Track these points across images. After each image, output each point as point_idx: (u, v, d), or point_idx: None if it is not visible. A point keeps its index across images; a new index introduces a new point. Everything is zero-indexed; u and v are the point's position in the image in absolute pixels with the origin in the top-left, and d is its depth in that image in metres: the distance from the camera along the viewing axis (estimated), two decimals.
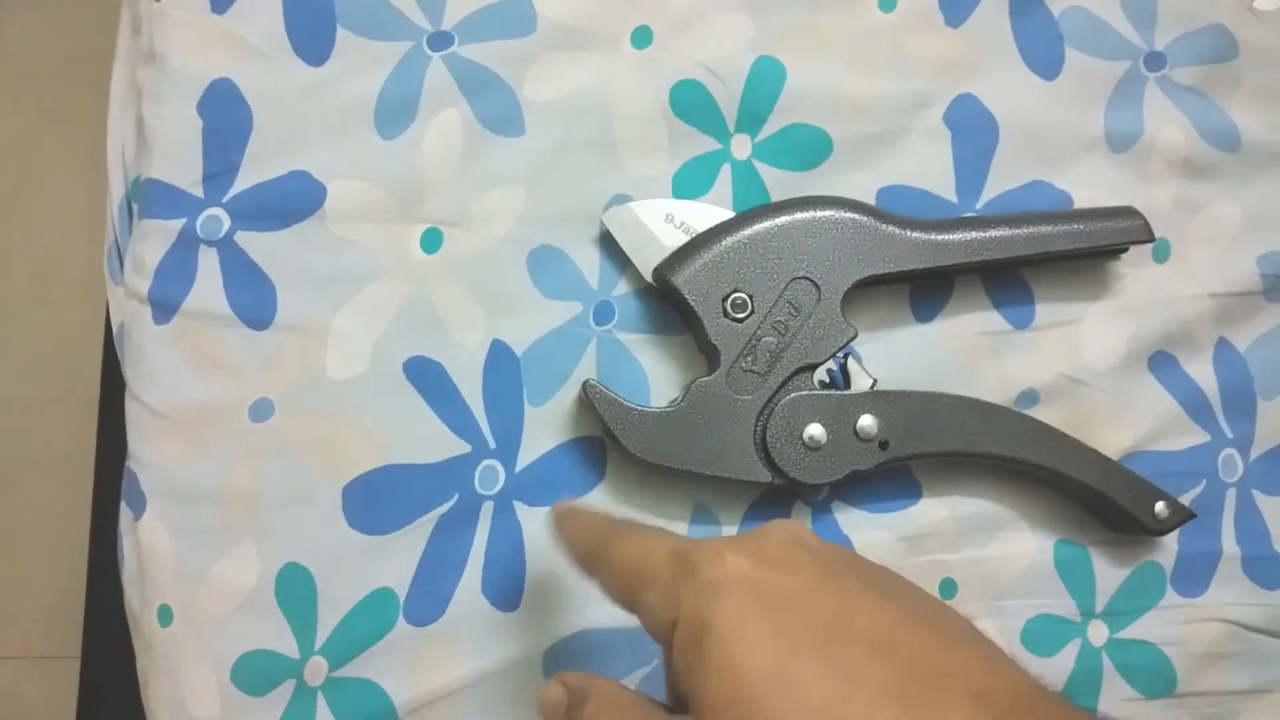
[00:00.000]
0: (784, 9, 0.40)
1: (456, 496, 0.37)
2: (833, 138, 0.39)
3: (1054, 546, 0.38)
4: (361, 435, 0.37)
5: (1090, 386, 0.39)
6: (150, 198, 0.38)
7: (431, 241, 0.38)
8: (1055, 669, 0.38)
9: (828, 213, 0.36)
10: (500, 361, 0.38)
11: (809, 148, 0.39)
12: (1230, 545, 0.40)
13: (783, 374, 0.36)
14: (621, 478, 0.37)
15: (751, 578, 0.23)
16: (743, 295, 0.36)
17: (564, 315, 0.38)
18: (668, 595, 0.24)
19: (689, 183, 0.39)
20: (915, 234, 0.37)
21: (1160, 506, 0.37)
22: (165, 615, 0.36)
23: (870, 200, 0.39)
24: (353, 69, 0.39)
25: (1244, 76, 0.42)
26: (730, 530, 0.37)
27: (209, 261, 0.37)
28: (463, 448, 0.37)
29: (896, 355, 0.39)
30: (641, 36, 0.40)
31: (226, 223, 0.37)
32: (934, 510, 0.38)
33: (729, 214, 0.37)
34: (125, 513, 0.37)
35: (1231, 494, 0.40)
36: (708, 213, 0.37)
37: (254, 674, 0.35)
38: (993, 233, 0.37)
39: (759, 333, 0.36)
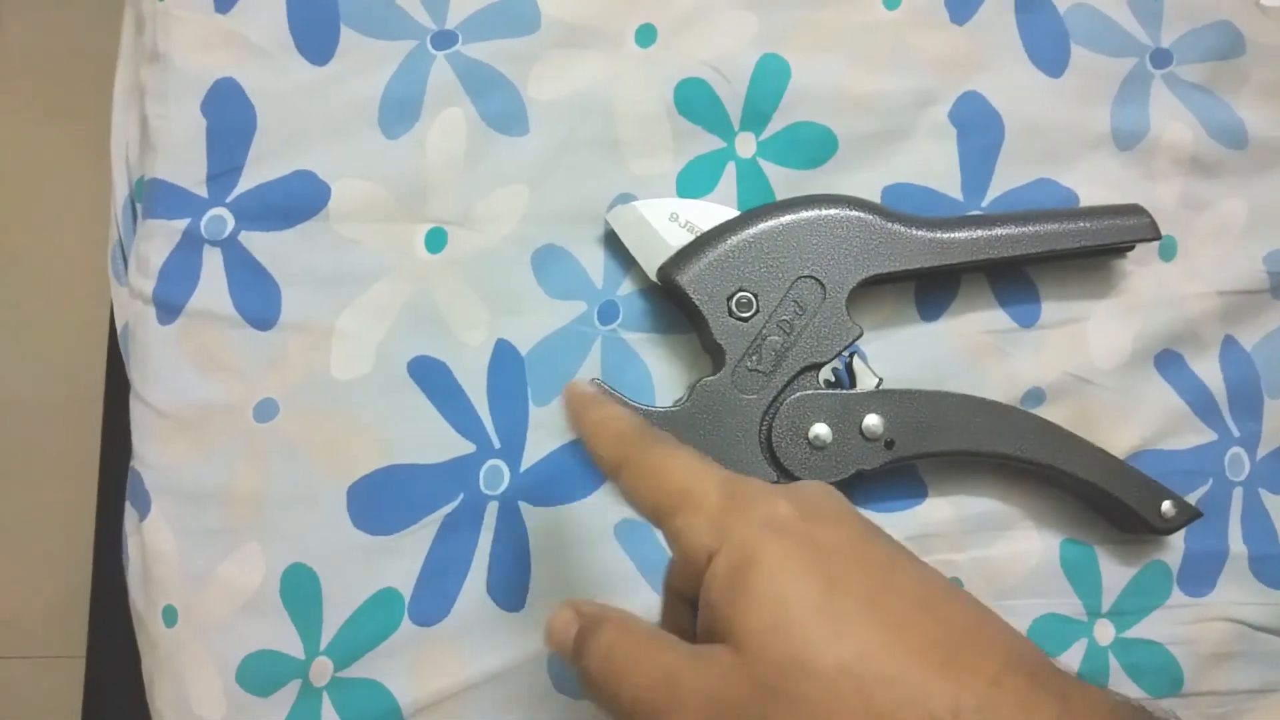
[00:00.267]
0: (788, 6, 0.40)
1: (461, 496, 0.36)
2: (838, 136, 0.39)
3: (1060, 546, 0.38)
4: (366, 435, 0.36)
5: (1096, 385, 0.39)
6: (154, 197, 0.38)
7: (436, 241, 0.38)
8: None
9: (832, 211, 0.36)
10: (505, 361, 0.37)
11: (814, 146, 0.39)
12: (1237, 544, 0.39)
13: (788, 373, 0.35)
14: None
15: (801, 524, 0.24)
16: (748, 294, 0.36)
17: (569, 315, 0.38)
18: (713, 524, 0.24)
19: (693, 181, 0.39)
20: (920, 232, 0.37)
21: (1167, 506, 0.37)
22: (170, 616, 0.35)
23: (875, 198, 0.39)
24: (356, 68, 0.39)
25: (1251, 73, 0.42)
26: None
27: (213, 261, 0.37)
28: (467, 447, 0.37)
29: (902, 354, 0.39)
30: (645, 34, 0.40)
31: (230, 222, 0.37)
32: (939, 510, 0.38)
33: (734, 213, 0.37)
34: (130, 513, 0.37)
35: (1238, 493, 0.40)
36: (712, 211, 0.37)
37: (259, 674, 0.35)
38: (998, 231, 0.37)
39: (764, 332, 0.36)
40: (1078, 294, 0.40)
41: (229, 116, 0.38)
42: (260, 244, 0.37)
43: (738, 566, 0.23)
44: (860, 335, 0.36)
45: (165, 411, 0.37)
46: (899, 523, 0.38)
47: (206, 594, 0.35)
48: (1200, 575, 0.39)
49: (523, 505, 0.37)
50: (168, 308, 0.37)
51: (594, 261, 0.38)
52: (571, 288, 0.38)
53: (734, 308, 0.35)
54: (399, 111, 0.38)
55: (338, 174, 0.38)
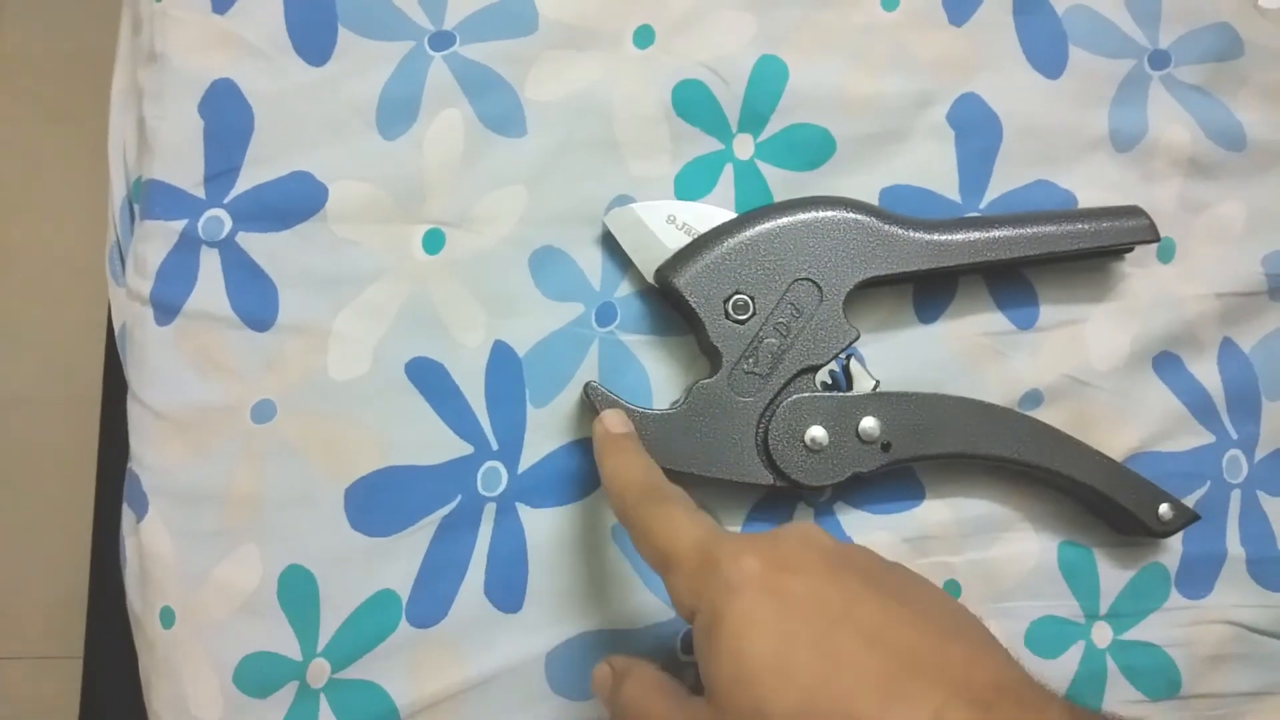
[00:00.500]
0: (786, 7, 0.40)
1: (459, 498, 0.36)
2: (835, 137, 0.39)
3: (1058, 548, 0.38)
4: (363, 436, 0.36)
5: (1094, 387, 0.39)
6: (152, 198, 0.38)
7: (433, 242, 0.38)
8: (1059, 671, 0.38)
9: (829, 213, 0.36)
10: (502, 362, 0.37)
11: (812, 147, 0.39)
12: (1235, 547, 0.39)
13: (784, 376, 0.35)
14: None
15: (764, 578, 0.26)
16: (744, 297, 0.35)
17: (566, 316, 0.38)
18: (691, 585, 0.27)
19: (691, 183, 0.39)
20: (918, 234, 0.36)
21: (1164, 508, 0.37)
22: (167, 617, 0.35)
23: (873, 200, 0.39)
24: (354, 69, 0.39)
25: (1249, 75, 0.42)
26: (733, 531, 0.37)
27: (210, 262, 0.37)
28: (465, 449, 0.37)
29: (900, 356, 0.39)
30: (643, 36, 0.40)
31: (228, 224, 0.37)
32: (937, 512, 0.38)
33: (731, 215, 0.37)
34: (127, 514, 0.37)
35: (1236, 495, 0.40)
36: (710, 214, 0.37)
37: (256, 676, 0.35)
38: (996, 233, 0.37)
39: (761, 334, 0.35)
40: (1076, 296, 0.40)
41: (226, 117, 0.38)
42: (258, 245, 0.37)
43: (710, 625, 0.26)
44: (857, 338, 0.36)
45: (163, 413, 0.37)
46: (896, 525, 0.38)
47: (204, 595, 0.35)
48: (1198, 578, 0.39)
49: (520, 507, 0.37)
50: (165, 309, 0.37)
51: (592, 263, 0.38)
52: (569, 289, 0.38)
53: (730, 310, 0.35)
54: (397, 112, 0.38)
55: (335, 175, 0.38)
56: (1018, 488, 0.38)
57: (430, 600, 0.36)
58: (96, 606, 0.47)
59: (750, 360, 0.35)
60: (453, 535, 0.36)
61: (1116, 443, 0.39)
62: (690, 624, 0.27)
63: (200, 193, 0.38)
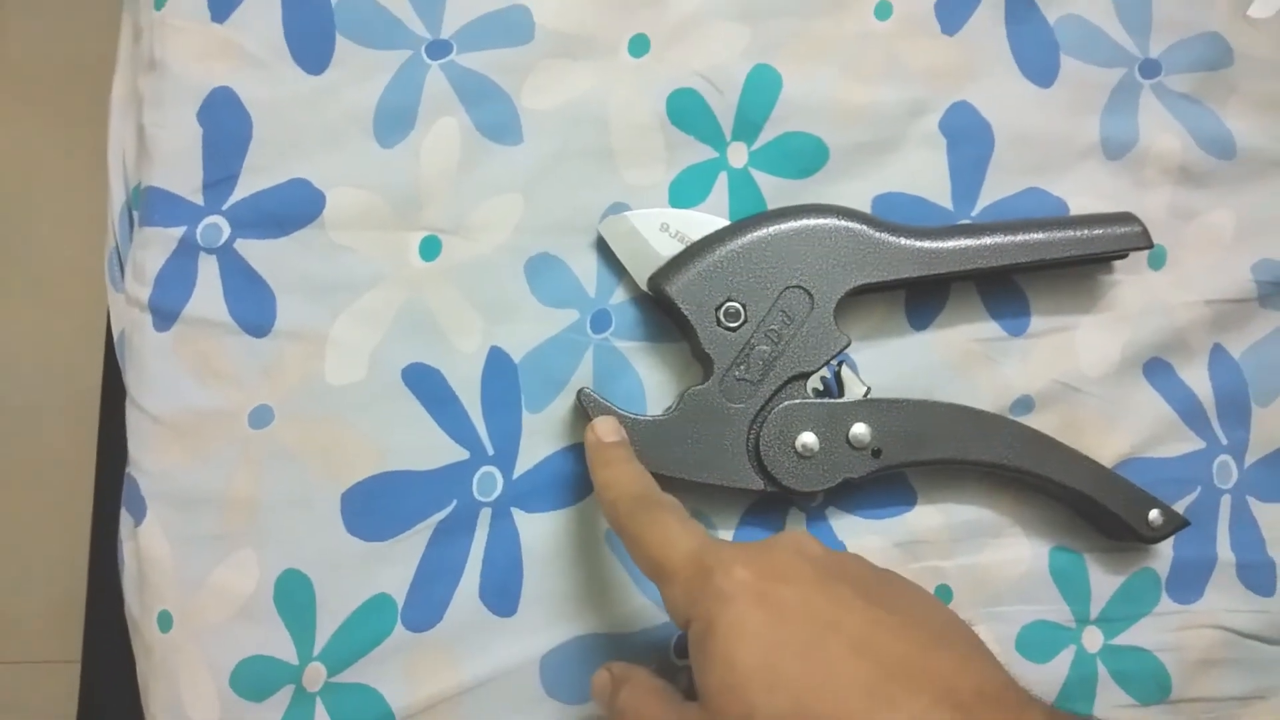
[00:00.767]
0: (780, 17, 0.41)
1: (455, 503, 0.37)
2: (829, 145, 0.40)
3: (1049, 553, 0.39)
4: (360, 442, 0.37)
5: (1085, 393, 0.39)
6: (150, 205, 0.38)
7: (430, 249, 0.38)
8: (1050, 675, 0.38)
9: (821, 221, 0.37)
10: (498, 368, 0.38)
11: (805, 156, 0.40)
12: (1225, 552, 0.40)
13: (776, 382, 0.36)
14: None
15: (755, 587, 0.27)
16: (736, 304, 0.36)
17: (562, 323, 0.38)
18: (685, 594, 0.28)
19: (686, 191, 0.39)
20: (909, 242, 0.37)
21: (1154, 514, 0.37)
22: (165, 621, 0.36)
23: (866, 208, 0.39)
24: (352, 77, 0.39)
25: (1239, 84, 0.42)
26: (726, 536, 0.38)
27: (209, 269, 0.37)
28: (461, 454, 0.37)
29: (892, 363, 0.39)
30: (639, 45, 0.40)
31: (226, 230, 0.38)
32: (929, 517, 0.38)
33: (724, 222, 0.38)
34: (125, 519, 0.37)
35: (1226, 500, 0.40)
36: (702, 221, 0.38)
37: (253, 680, 0.35)
38: (987, 240, 0.37)
39: (752, 341, 0.36)
40: (1067, 303, 0.40)
41: (225, 125, 0.38)
42: (255, 252, 0.38)
43: (703, 633, 0.26)
44: (848, 345, 0.36)
45: (161, 418, 0.37)
46: (888, 529, 0.38)
47: (201, 599, 0.36)
48: (1189, 582, 0.39)
49: (515, 512, 0.37)
50: (164, 315, 0.37)
51: (587, 270, 0.39)
52: (564, 296, 0.39)
53: (722, 317, 0.36)
54: (394, 120, 0.39)
55: (333, 182, 0.38)
56: (1009, 493, 0.39)
57: (426, 604, 0.36)
58: (95, 610, 0.47)
59: (742, 367, 0.36)
60: (448, 540, 0.37)
61: (1107, 448, 0.39)
62: (685, 631, 0.28)
63: (199, 199, 0.38)
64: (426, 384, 0.37)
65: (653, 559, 0.29)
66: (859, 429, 0.35)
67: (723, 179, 0.39)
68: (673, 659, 0.37)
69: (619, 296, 0.39)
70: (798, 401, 0.36)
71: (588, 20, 0.40)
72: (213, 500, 0.36)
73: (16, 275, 0.99)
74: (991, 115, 0.41)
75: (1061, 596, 0.38)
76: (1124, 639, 0.39)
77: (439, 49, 0.39)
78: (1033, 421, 0.39)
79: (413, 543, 0.36)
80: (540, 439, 0.38)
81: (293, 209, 0.38)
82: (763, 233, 0.36)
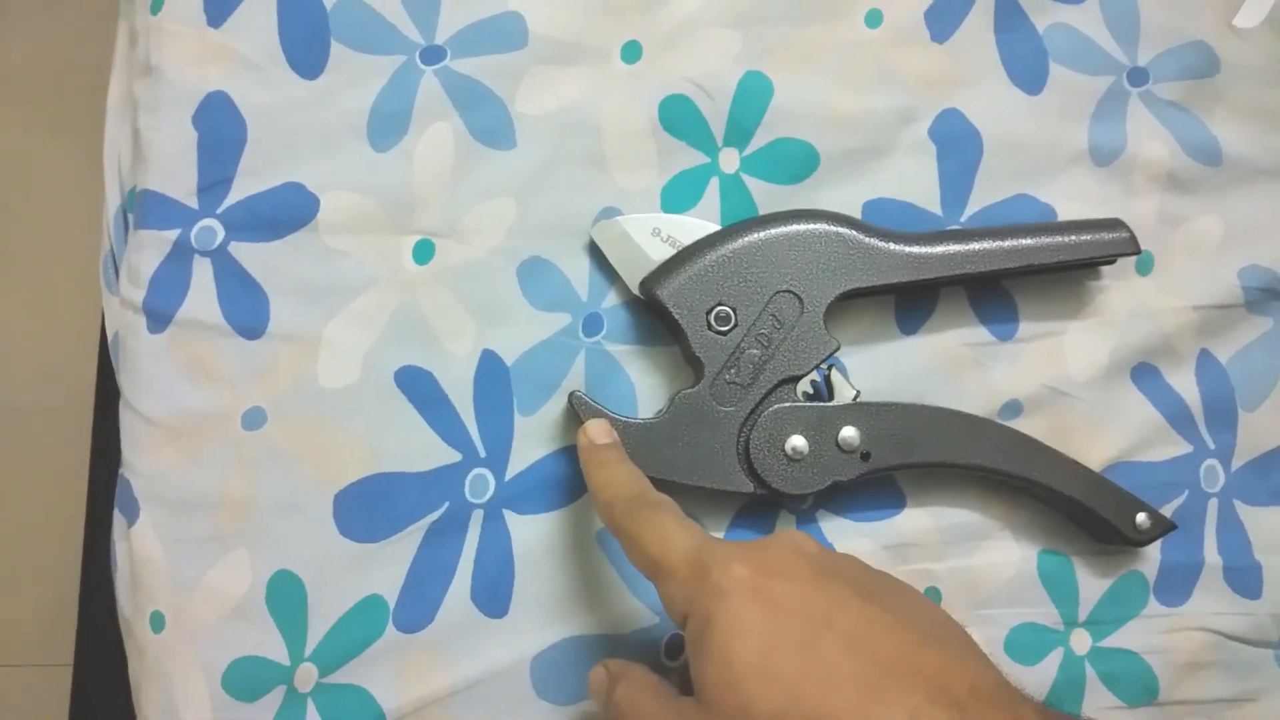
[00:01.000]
0: (771, 24, 0.41)
1: (446, 505, 0.37)
2: (819, 151, 0.40)
3: (1037, 556, 0.39)
4: (353, 444, 0.37)
5: (1073, 398, 0.40)
6: (145, 208, 0.38)
7: (423, 252, 0.39)
8: (1038, 678, 0.38)
9: (811, 226, 0.37)
10: (491, 371, 0.38)
11: (796, 161, 0.40)
12: (1212, 555, 0.40)
13: (765, 386, 0.36)
14: None
15: (752, 583, 0.27)
16: (726, 308, 0.36)
17: (554, 326, 0.39)
18: (682, 592, 0.28)
19: (678, 196, 0.40)
20: (899, 247, 0.37)
21: (1141, 517, 0.37)
22: (157, 622, 0.36)
23: (856, 213, 0.40)
24: (346, 82, 0.39)
25: (1225, 92, 0.43)
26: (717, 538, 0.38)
27: (203, 272, 0.38)
28: (453, 456, 0.37)
29: (881, 367, 0.39)
30: (631, 51, 0.41)
31: (220, 233, 0.38)
32: (918, 520, 0.39)
33: (715, 227, 0.38)
34: (118, 520, 0.38)
35: (1213, 504, 0.40)
36: (694, 226, 0.38)
37: (245, 680, 0.35)
38: (976, 245, 0.38)
39: (743, 345, 0.36)
40: (1055, 308, 0.40)
41: (220, 129, 0.39)
42: (249, 255, 0.38)
43: (700, 629, 0.27)
44: (837, 349, 0.36)
45: (154, 419, 0.37)
46: (878, 532, 0.38)
47: (194, 600, 0.36)
48: (1176, 585, 0.40)
49: (507, 513, 0.37)
50: (158, 317, 0.38)
51: (579, 274, 0.39)
52: (557, 300, 0.39)
53: (712, 321, 0.36)
54: (388, 125, 0.39)
55: (327, 186, 0.38)
56: (998, 496, 0.39)
57: (417, 605, 0.36)
58: (87, 613, 0.48)
59: (732, 370, 0.36)
60: (440, 541, 0.37)
61: (1095, 452, 0.39)
62: (682, 629, 0.28)
63: (193, 203, 0.38)
64: (419, 386, 0.38)
65: (650, 557, 0.29)
66: (848, 432, 0.36)
67: (714, 184, 0.40)
68: (663, 660, 0.37)
69: (611, 300, 0.39)
70: (788, 405, 0.36)
71: (580, 26, 0.40)
72: (205, 501, 0.36)
73: (12, 278, 0.99)
74: (981, 122, 0.41)
75: (1050, 599, 0.39)
76: (1112, 641, 0.39)
77: (433, 54, 0.40)
78: (1021, 426, 0.39)
79: (404, 544, 0.37)
80: (532, 441, 0.38)
81: (287, 212, 0.38)
82: (753, 237, 0.37)
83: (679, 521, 0.30)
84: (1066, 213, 0.41)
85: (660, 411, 0.36)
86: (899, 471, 0.37)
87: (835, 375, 0.37)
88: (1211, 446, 0.41)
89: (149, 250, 0.38)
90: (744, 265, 0.36)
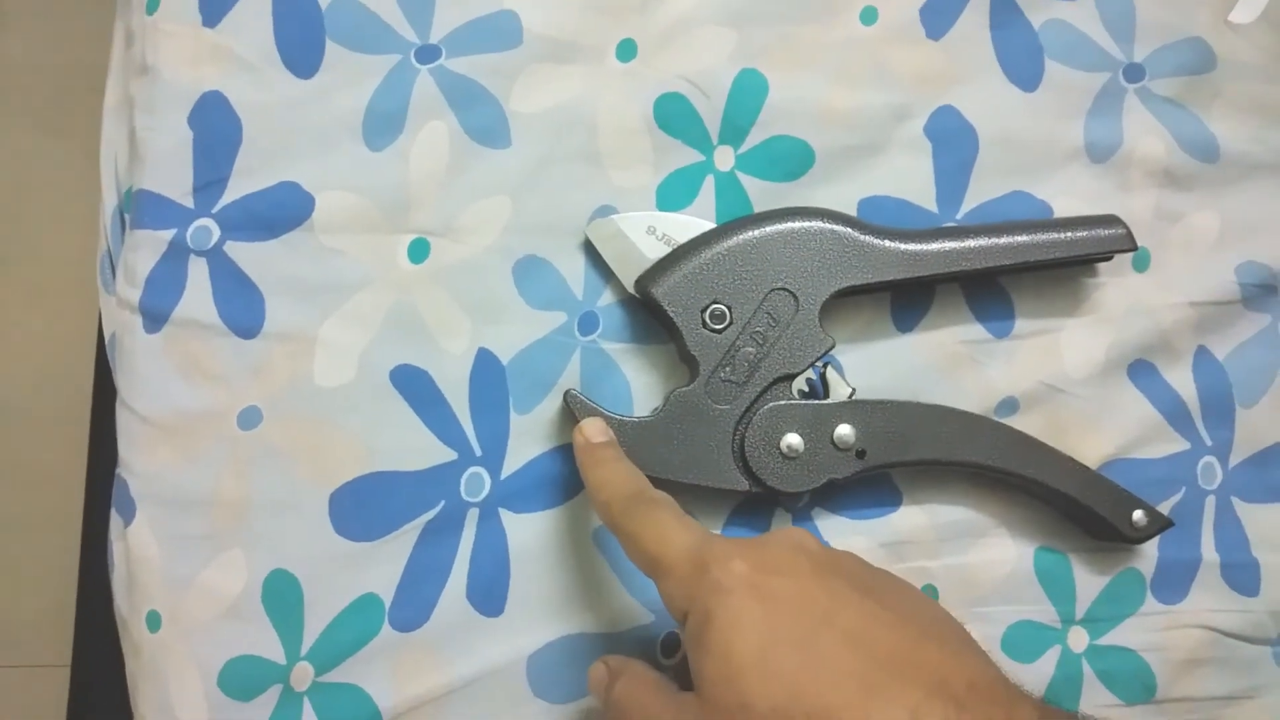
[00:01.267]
0: (766, 22, 0.41)
1: (442, 503, 0.37)
2: (814, 149, 0.40)
3: (1034, 554, 0.39)
4: (348, 442, 0.37)
5: (1070, 395, 0.40)
6: (141, 208, 0.38)
7: (419, 251, 0.39)
8: (1035, 675, 0.38)
9: (806, 224, 0.37)
10: (486, 370, 0.38)
11: (791, 159, 0.40)
12: (1210, 552, 0.40)
13: (761, 384, 0.36)
14: None
15: (752, 580, 0.27)
16: (721, 306, 0.36)
17: (549, 325, 0.39)
18: (682, 588, 0.28)
19: (673, 194, 0.40)
20: (894, 244, 0.37)
21: (1138, 515, 0.37)
22: (154, 621, 0.36)
23: (852, 211, 0.40)
24: (341, 82, 0.39)
25: (1222, 88, 0.43)
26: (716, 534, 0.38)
27: (198, 271, 0.38)
28: (449, 455, 0.37)
29: (877, 365, 0.39)
30: (626, 50, 0.41)
31: (216, 233, 0.38)
32: (914, 517, 0.38)
33: (710, 225, 0.38)
34: (115, 519, 0.38)
35: (1211, 501, 0.40)
36: (689, 224, 0.38)
37: (241, 679, 0.35)
38: (972, 243, 0.38)
39: (738, 343, 0.36)
40: (1052, 305, 0.40)
41: (215, 129, 0.39)
42: (245, 254, 0.38)
43: (700, 625, 0.27)
44: (832, 346, 0.36)
45: (151, 419, 0.37)
46: (874, 530, 0.38)
47: (190, 599, 0.36)
48: (1173, 583, 0.40)
49: (503, 512, 0.37)
50: (154, 316, 0.38)
51: (574, 273, 0.39)
52: (552, 298, 0.39)
53: (708, 319, 0.36)
54: (383, 124, 0.39)
55: (322, 185, 0.38)
56: (994, 494, 0.39)
57: (413, 604, 0.36)
58: (85, 614, 0.48)
59: (727, 369, 0.36)
60: (436, 540, 0.37)
61: (1092, 449, 0.39)
62: (682, 625, 0.28)
63: (189, 202, 0.38)
64: (415, 385, 0.38)
65: (650, 555, 0.29)
66: (844, 430, 0.36)
67: (709, 182, 0.40)
68: (660, 659, 0.37)
69: (606, 299, 0.39)
70: (783, 403, 0.36)
71: (575, 25, 0.40)
72: (201, 501, 0.36)
73: (10, 278, 0.99)
74: (976, 119, 0.41)
75: (1047, 597, 0.39)
76: (1109, 639, 0.39)
77: (428, 54, 0.40)
78: (1018, 423, 0.39)
79: (400, 543, 0.37)
80: (528, 440, 0.38)
81: (282, 212, 0.38)
82: (748, 235, 0.37)
83: (678, 518, 0.30)
84: (1063, 209, 0.41)
85: (656, 410, 0.36)
86: (895, 469, 0.38)
87: (831, 373, 0.37)
88: (1209, 443, 0.41)
89: (145, 250, 0.38)
90: (739, 263, 0.36)
